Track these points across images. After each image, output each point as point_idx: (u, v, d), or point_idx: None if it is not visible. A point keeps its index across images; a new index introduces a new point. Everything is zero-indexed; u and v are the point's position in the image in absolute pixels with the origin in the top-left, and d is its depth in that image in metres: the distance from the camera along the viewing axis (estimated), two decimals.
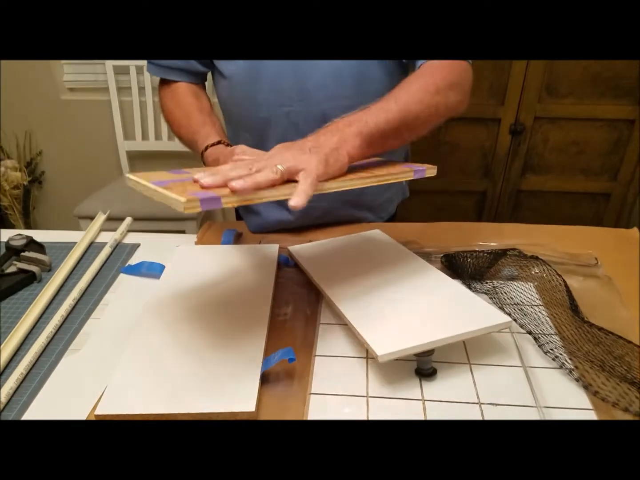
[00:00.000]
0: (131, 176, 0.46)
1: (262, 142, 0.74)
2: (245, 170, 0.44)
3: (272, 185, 0.44)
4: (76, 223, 1.54)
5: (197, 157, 0.69)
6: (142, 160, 1.81)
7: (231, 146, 0.63)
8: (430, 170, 0.56)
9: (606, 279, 0.63)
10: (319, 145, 0.49)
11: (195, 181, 0.43)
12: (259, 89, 0.70)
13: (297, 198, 0.43)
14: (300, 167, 0.46)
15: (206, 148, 0.65)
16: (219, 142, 0.65)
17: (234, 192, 0.41)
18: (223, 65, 0.72)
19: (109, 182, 1.69)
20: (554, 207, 1.55)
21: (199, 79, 0.77)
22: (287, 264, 0.67)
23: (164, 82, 0.77)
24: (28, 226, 1.88)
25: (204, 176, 0.43)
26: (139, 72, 1.65)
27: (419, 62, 0.67)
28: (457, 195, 1.58)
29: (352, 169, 0.52)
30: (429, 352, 0.46)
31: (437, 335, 0.45)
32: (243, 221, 0.82)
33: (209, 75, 0.79)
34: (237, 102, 0.74)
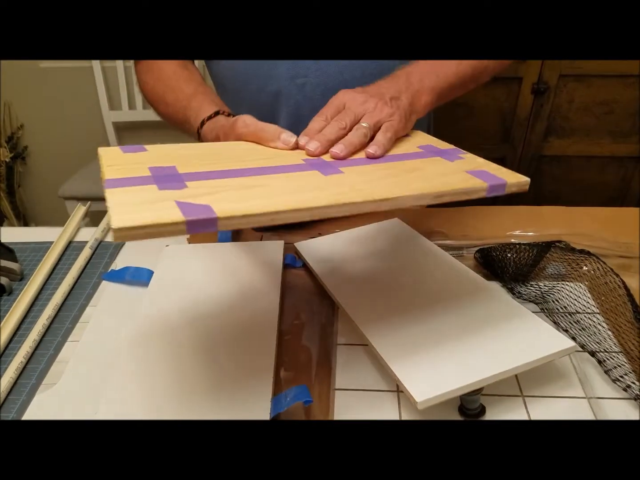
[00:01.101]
0: (102, 152, 0.38)
1: (270, 120, 0.62)
2: (337, 129, 0.42)
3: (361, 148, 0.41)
4: (63, 202, 1.43)
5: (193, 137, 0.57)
6: (130, 131, 1.68)
7: (233, 116, 0.51)
8: (513, 186, 0.39)
9: None
10: (398, 97, 0.44)
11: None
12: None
13: (376, 147, 0.40)
14: (384, 121, 0.42)
15: (202, 124, 0.52)
16: (216, 114, 0.52)
17: (337, 158, 0.40)
18: None
19: (95, 157, 1.57)
20: (577, 173, 1.43)
21: None
22: (294, 265, 0.57)
23: None
24: (14, 206, 1.78)
25: (309, 141, 0.41)
26: None
27: None
28: None
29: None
30: (477, 391, 0.37)
31: (489, 371, 0.37)
32: None
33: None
34: (239, 74, 0.61)
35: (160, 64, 0.62)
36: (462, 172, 0.39)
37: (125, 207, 0.29)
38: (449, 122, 1.36)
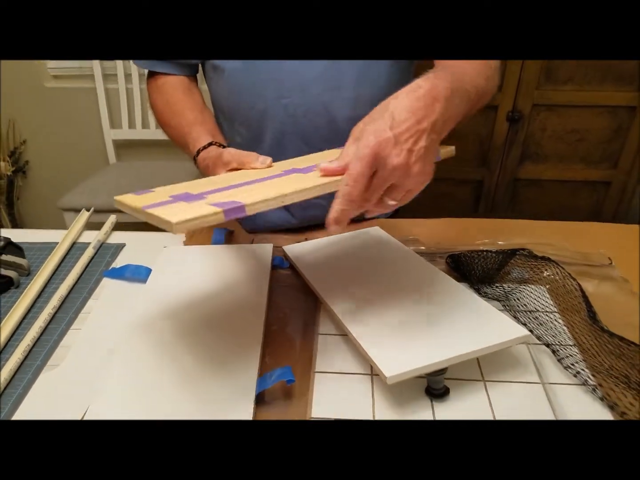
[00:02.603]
0: (119, 198, 0.43)
1: (258, 135, 0.69)
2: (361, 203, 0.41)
3: None
4: (61, 214, 1.48)
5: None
6: (129, 149, 1.74)
7: (224, 147, 0.58)
8: (442, 154, 0.48)
9: (622, 281, 0.59)
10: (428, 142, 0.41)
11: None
12: (255, 79, 0.65)
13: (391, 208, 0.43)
14: (408, 190, 0.42)
15: (197, 153, 0.59)
16: (210, 144, 0.59)
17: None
18: None
19: (94, 172, 1.63)
20: (552, 196, 1.51)
21: (189, 71, 0.71)
22: (281, 265, 0.62)
23: (152, 76, 0.71)
24: (12, 218, 1.82)
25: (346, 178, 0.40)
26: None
27: None
28: (453, 183, 1.53)
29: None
30: (441, 371, 0.42)
31: (451, 353, 0.41)
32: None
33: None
34: (232, 93, 0.68)
35: (169, 89, 0.69)
36: None
37: (173, 211, 0.37)
38: None
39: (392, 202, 0.42)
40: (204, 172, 0.57)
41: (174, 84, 0.69)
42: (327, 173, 0.43)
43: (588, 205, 1.51)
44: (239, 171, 0.51)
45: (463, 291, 0.51)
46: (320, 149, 0.67)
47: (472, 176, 1.51)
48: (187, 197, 0.41)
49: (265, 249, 0.64)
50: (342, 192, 0.40)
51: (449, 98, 0.42)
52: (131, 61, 0.72)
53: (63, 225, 1.46)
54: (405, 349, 0.42)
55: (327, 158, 0.43)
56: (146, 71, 0.72)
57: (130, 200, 0.42)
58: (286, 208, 0.72)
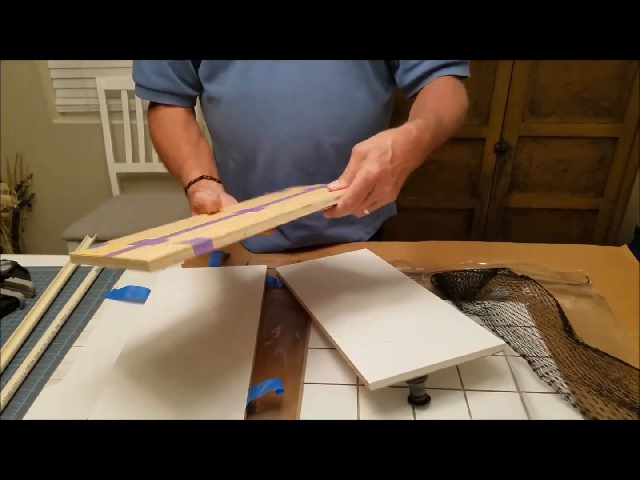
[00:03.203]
0: (75, 254, 0.43)
1: (251, 160, 0.74)
2: (355, 209, 0.52)
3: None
4: (64, 246, 1.52)
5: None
6: (132, 182, 1.80)
7: (215, 180, 0.62)
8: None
9: (599, 298, 0.62)
10: (401, 171, 0.52)
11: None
12: (248, 109, 0.70)
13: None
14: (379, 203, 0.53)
15: (188, 185, 0.63)
16: (201, 178, 0.62)
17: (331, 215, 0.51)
18: (212, 87, 0.72)
19: (98, 204, 1.68)
20: (542, 224, 1.55)
21: (188, 103, 0.76)
22: (275, 285, 0.65)
23: (152, 107, 0.76)
24: (17, 249, 1.86)
25: (345, 199, 0.50)
26: (130, 96, 1.66)
27: (407, 78, 0.70)
28: (445, 213, 1.58)
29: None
30: (421, 379, 0.44)
31: (430, 361, 0.44)
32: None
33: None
34: (228, 122, 0.73)
35: (167, 122, 0.74)
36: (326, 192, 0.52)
37: (144, 252, 0.37)
38: (422, 177, 1.50)
39: (367, 212, 0.53)
40: (194, 204, 0.60)
41: (172, 116, 0.74)
42: (336, 190, 0.52)
43: (577, 233, 1.55)
44: (192, 218, 0.54)
45: (445, 306, 0.54)
46: (308, 172, 0.72)
47: (463, 205, 1.56)
48: (148, 242, 0.42)
49: (259, 270, 0.67)
50: (343, 202, 0.50)
51: (429, 144, 0.55)
52: (135, 94, 0.77)
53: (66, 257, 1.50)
54: (387, 358, 0.45)
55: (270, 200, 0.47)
56: (148, 103, 0.77)
57: (91, 252, 0.42)
58: (279, 229, 0.76)
